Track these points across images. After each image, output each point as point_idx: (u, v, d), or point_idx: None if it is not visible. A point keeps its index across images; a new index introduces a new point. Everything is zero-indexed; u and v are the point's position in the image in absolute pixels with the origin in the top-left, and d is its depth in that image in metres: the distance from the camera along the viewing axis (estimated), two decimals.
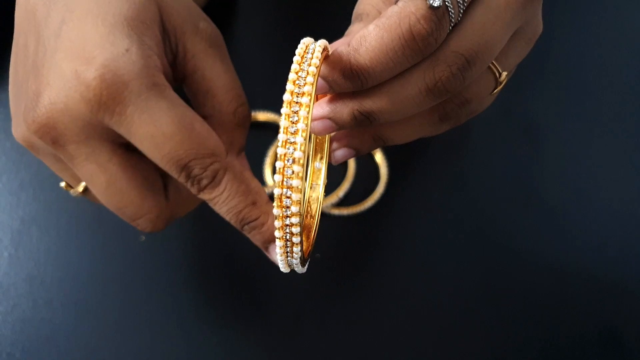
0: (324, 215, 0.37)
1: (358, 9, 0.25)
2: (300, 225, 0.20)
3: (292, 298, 0.34)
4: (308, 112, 0.19)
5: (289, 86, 0.20)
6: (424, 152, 0.39)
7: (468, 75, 0.23)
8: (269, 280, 0.35)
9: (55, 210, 0.36)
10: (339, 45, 0.23)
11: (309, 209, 0.30)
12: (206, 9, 0.38)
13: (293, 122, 0.20)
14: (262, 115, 0.39)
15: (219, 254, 0.36)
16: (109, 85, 0.21)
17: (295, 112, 0.20)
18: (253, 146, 0.39)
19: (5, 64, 0.35)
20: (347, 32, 0.25)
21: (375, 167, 0.38)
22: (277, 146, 0.20)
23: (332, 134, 0.29)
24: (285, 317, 0.34)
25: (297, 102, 0.20)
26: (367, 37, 0.21)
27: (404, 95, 0.23)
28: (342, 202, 0.37)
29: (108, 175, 0.24)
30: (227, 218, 0.26)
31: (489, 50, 0.23)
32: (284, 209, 0.20)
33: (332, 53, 0.22)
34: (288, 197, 0.20)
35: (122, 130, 0.23)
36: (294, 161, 0.19)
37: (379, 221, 0.37)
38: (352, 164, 0.38)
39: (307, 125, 0.19)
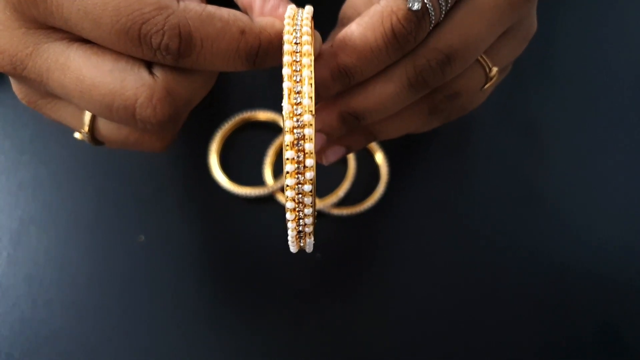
0: (323, 215, 0.36)
1: (342, 13, 0.26)
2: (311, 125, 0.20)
3: (291, 298, 0.34)
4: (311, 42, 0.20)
5: (287, 37, 0.20)
6: (425, 152, 0.39)
7: (448, 70, 0.23)
8: (269, 280, 0.35)
9: (54, 211, 0.36)
10: (323, 50, 0.23)
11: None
12: None
13: (297, 43, 0.20)
14: (262, 115, 0.39)
15: (219, 254, 0.36)
16: None
17: (297, 37, 0.20)
18: (253, 146, 0.39)
19: None
20: (330, 36, 0.25)
21: (375, 167, 0.38)
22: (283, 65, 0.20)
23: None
24: (285, 317, 0.34)
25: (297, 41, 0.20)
26: (351, 37, 0.22)
27: (388, 90, 0.23)
28: (342, 202, 0.37)
29: (74, 72, 0.21)
30: (228, 67, 0.21)
31: (470, 49, 0.23)
32: (294, 106, 0.20)
33: (317, 56, 0.22)
34: (298, 93, 0.19)
35: (57, 20, 0.20)
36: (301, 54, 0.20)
37: (379, 221, 0.37)
38: (352, 164, 0.38)
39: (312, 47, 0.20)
